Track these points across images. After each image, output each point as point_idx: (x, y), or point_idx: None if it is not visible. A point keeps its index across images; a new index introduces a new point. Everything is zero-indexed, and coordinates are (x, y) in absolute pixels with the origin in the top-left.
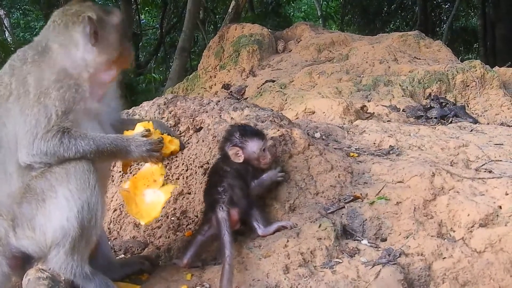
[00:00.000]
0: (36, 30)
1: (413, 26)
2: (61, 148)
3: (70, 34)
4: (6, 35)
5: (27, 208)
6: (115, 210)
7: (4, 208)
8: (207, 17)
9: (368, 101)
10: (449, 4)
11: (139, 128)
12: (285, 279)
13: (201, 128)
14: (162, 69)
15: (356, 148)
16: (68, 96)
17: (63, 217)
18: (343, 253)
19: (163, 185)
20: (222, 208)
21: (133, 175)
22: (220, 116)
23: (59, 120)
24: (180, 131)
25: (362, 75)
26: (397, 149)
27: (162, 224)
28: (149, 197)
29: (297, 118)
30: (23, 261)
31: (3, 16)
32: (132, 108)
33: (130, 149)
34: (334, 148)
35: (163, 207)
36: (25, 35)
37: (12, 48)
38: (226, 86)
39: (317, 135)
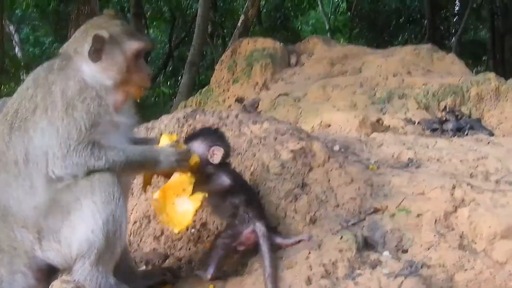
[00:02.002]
0: (45, 45)
1: (421, 39)
2: (92, 159)
3: (82, 47)
4: (16, 50)
5: (52, 220)
6: (135, 222)
7: (30, 221)
8: (216, 31)
9: (383, 114)
10: (457, 17)
11: (165, 139)
12: None
13: None
14: (170, 83)
15: (375, 161)
16: (93, 109)
17: (89, 229)
18: (365, 265)
19: (192, 193)
20: (256, 223)
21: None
22: (240, 129)
23: (89, 133)
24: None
25: (376, 88)
26: (416, 161)
27: (182, 236)
28: (179, 206)
29: (313, 132)
30: (48, 273)
31: (13, 31)
32: (151, 121)
33: (160, 160)
34: (353, 161)
35: (194, 215)
36: (35, 50)
37: (21, 63)
38: (239, 100)
39: (336, 148)
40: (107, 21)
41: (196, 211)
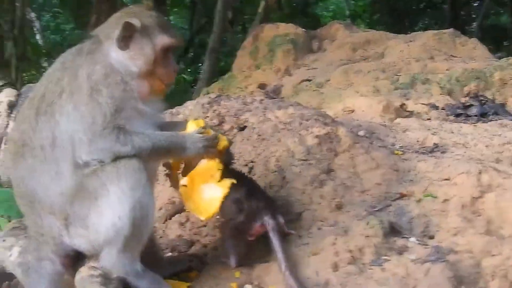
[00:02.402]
0: (66, 32)
1: (442, 25)
2: (117, 145)
3: (113, 33)
4: (37, 38)
5: (79, 206)
6: (160, 208)
7: (57, 207)
8: (236, 18)
9: (407, 99)
10: (478, 2)
11: (192, 125)
12: (334, 276)
13: (245, 127)
14: (191, 70)
15: (400, 146)
16: (117, 94)
17: (115, 215)
18: (391, 251)
19: (220, 180)
20: (264, 217)
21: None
22: (265, 114)
23: (113, 118)
24: (224, 130)
25: (399, 74)
26: (441, 146)
27: (207, 223)
28: (207, 193)
29: (336, 117)
30: (75, 259)
31: (34, 19)
32: (176, 107)
33: (186, 146)
34: (379, 146)
35: (222, 202)
36: (56, 37)
37: (43, 51)
38: (261, 86)
39: (361, 133)
40: (142, 11)
41: (224, 198)
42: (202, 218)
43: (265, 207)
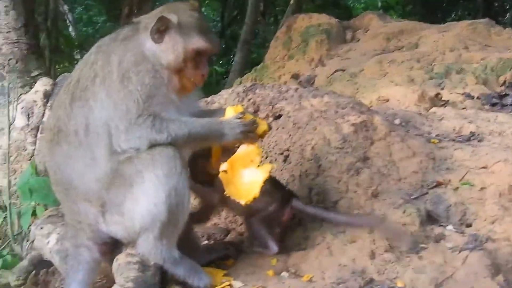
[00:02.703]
0: (98, 24)
1: (475, 16)
2: (153, 132)
3: (150, 24)
4: (70, 30)
5: (115, 193)
6: (195, 197)
7: (93, 194)
8: (268, 9)
9: (442, 89)
10: None
11: (230, 111)
12: (371, 264)
13: (280, 115)
14: (222, 62)
15: (436, 135)
16: (148, 81)
17: (151, 202)
18: (428, 239)
19: (260, 165)
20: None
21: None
22: (300, 103)
23: (147, 105)
24: (257, 116)
25: (433, 63)
26: (477, 135)
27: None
28: (247, 177)
29: (371, 106)
30: (112, 247)
31: (67, 11)
32: (211, 96)
33: (224, 132)
34: (415, 135)
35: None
36: (88, 29)
37: (75, 43)
38: (295, 76)
39: (397, 121)
40: (184, 10)
41: (264, 182)
42: (242, 202)
43: (287, 192)
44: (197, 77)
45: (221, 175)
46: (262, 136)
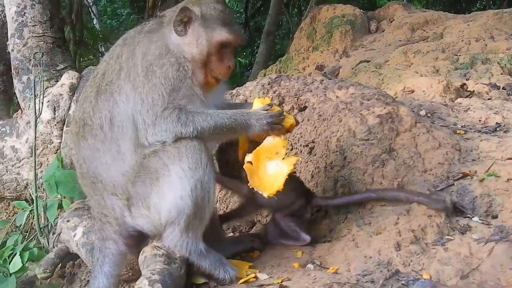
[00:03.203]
0: (123, 17)
1: (500, 5)
2: (179, 125)
3: (174, 16)
4: (94, 22)
5: (141, 187)
6: (221, 189)
7: (119, 188)
8: (291, 0)
9: (467, 79)
10: None
11: (257, 103)
12: (397, 256)
13: (305, 107)
14: (246, 53)
15: (462, 126)
16: (172, 74)
17: (177, 195)
18: (454, 230)
19: (285, 157)
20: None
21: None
22: (325, 94)
23: (171, 98)
24: (284, 111)
25: (458, 54)
26: (504, 126)
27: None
28: (271, 169)
29: (396, 97)
30: (138, 240)
31: (91, 3)
32: (236, 88)
33: (251, 123)
34: (440, 126)
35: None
36: (112, 22)
37: (99, 35)
38: (319, 67)
39: (422, 112)
40: (209, 3)
41: (288, 176)
42: (265, 194)
43: (309, 191)
44: (222, 69)
45: (245, 166)
46: (289, 130)
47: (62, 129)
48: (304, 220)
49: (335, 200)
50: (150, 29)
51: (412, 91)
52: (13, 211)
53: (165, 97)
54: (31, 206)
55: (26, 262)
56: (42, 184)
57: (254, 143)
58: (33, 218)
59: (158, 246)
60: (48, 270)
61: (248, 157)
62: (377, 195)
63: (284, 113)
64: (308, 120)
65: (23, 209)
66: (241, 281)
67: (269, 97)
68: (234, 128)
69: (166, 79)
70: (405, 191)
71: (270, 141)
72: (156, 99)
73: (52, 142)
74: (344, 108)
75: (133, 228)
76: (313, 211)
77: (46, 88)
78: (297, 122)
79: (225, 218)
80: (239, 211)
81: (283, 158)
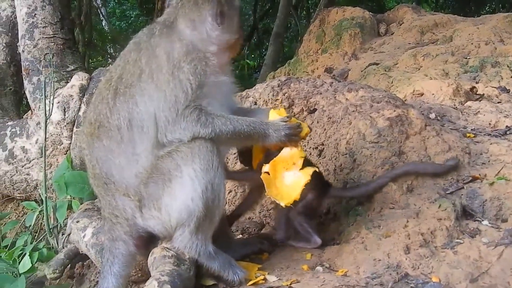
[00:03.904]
0: (132, 18)
1: (509, 9)
2: (198, 125)
3: (199, 12)
4: (103, 24)
5: (153, 188)
6: (230, 191)
7: (131, 189)
8: (300, 3)
9: (476, 82)
10: None
11: (274, 114)
12: (406, 259)
13: (315, 109)
14: (254, 55)
15: (471, 129)
16: (199, 69)
17: (188, 197)
18: (463, 234)
19: (302, 167)
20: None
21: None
22: (335, 97)
23: (195, 95)
24: (294, 113)
25: (468, 57)
26: None
27: (277, 205)
28: (288, 180)
29: (405, 100)
30: (148, 241)
31: (100, 5)
32: (246, 90)
33: (269, 133)
34: (450, 129)
35: (303, 189)
36: (121, 23)
37: (108, 37)
38: (328, 70)
39: (432, 115)
40: None
41: (305, 185)
42: (283, 204)
43: (324, 181)
44: (238, 46)
45: (263, 176)
46: (304, 138)
47: (72, 130)
48: (319, 213)
49: (352, 191)
50: (162, 32)
51: (422, 94)
52: (22, 212)
53: (189, 94)
54: (41, 207)
55: (36, 262)
56: (51, 184)
57: (269, 154)
58: (42, 219)
59: (167, 248)
60: (57, 271)
61: (265, 168)
62: (390, 175)
63: (299, 122)
64: (317, 122)
65: (32, 209)
66: (250, 283)
67: (275, 100)
68: (252, 136)
69: (194, 75)
70: (412, 163)
71: (287, 152)
72: (179, 97)
73: (62, 143)
74: (353, 111)
75: (143, 229)
76: (328, 204)
77: (56, 89)
78: (311, 130)
79: (235, 216)
80: (246, 201)
81: (300, 169)
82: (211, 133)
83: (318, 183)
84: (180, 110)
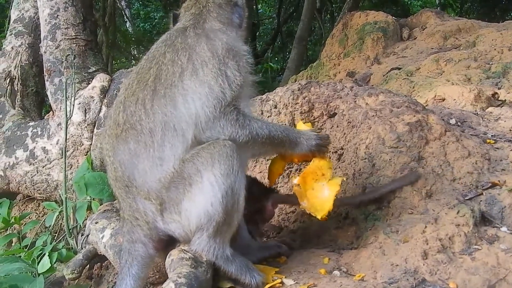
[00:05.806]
0: (156, 20)
1: None
2: (237, 125)
3: (228, 15)
4: (127, 25)
5: (174, 192)
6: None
7: (153, 193)
8: (324, 6)
9: (499, 88)
10: None
11: (301, 125)
12: (424, 264)
13: (335, 113)
14: (278, 58)
15: (492, 135)
16: (241, 66)
17: (208, 202)
18: (482, 240)
19: (330, 178)
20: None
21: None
22: (355, 101)
23: (238, 93)
24: (314, 117)
25: (491, 62)
26: None
27: (296, 209)
28: (319, 191)
29: (427, 105)
30: (167, 243)
31: (124, 7)
32: (266, 93)
33: (300, 141)
34: (470, 135)
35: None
36: (145, 25)
37: (132, 38)
38: (350, 74)
39: (452, 121)
40: None
41: (336, 195)
42: (319, 217)
43: (264, 187)
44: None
45: (294, 189)
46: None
47: (92, 131)
48: (264, 222)
49: (355, 199)
50: (197, 33)
51: (443, 99)
52: (43, 212)
53: (234, 91)
54: (61, 207)
55: (55, 262)
56: (72, 185)
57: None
58: (62, 219)
59: (185, 250)
60: (76, 271)
61: (296, 180)
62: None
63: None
64: (337, 126)
65: (52, 210)
66: (267, 286)
67: (295, 104)
68: (284, 142)
69: (239, 71)
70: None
71: (316, 163)
72: (226, 93)
73: (83, 144)
74: (373, 115)
75: (164, 232)
76: (274, 210)
77: (77, 90)
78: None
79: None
80: None
81: (329, 180)
82: (248, 135)
83: (254, 189)
84: (223, 108)
